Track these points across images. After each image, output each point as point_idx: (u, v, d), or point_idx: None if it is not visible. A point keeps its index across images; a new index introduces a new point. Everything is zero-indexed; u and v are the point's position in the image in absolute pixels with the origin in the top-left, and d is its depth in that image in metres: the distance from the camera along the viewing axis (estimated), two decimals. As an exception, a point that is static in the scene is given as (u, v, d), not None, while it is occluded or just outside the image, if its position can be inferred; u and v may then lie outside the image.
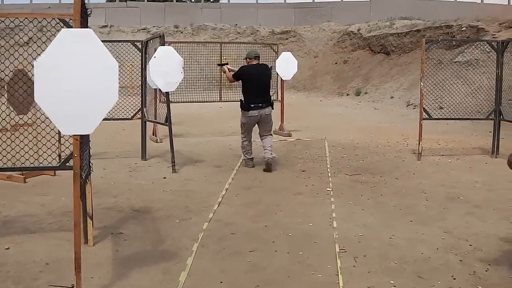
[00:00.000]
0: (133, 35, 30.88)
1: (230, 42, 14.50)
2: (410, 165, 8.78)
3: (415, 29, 26.01)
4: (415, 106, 18.79)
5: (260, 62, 8.61)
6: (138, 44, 9.07)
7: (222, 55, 12.64)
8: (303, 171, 8.22)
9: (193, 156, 9.52)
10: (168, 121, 8.12)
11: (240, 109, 8.40)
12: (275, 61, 12.31)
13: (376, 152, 10.00)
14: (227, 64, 8.97)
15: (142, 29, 32.51)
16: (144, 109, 9.06)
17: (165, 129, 13.57)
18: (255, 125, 8.44)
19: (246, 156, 8.60)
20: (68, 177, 4.84)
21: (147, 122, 9.22)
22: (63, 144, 6.70)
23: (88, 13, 4.51)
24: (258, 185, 7.31)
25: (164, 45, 8.06)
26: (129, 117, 9.17)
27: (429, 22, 26.23)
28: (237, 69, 8.58)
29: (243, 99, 8.34)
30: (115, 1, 37.77)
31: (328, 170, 8.22)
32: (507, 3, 34.78)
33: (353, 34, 30.28)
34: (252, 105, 8.20)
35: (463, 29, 22.62)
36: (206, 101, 12.81)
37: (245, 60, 8.68)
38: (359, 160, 9.20)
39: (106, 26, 32.85)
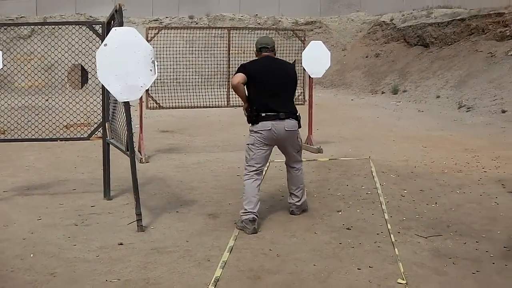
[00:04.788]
0: (144, 26, 28.27)
1: (238, 27, 11.02)
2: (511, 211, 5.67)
3: (458, 18, 22.92)
4: (468, 108, 15.59)
5: (275, 56, 5.53)
6: (97, 27, 6.06)
7: (231, 45, 9.59)
8: (348, 229, 5.07)
9: (182, 192, 6.49)
10: (129, 149, 4.92)
11: (248, 124, 5.34)
12: (301, 52, 9.22)
13: (447, 183, 6.89)
14: None
15: (154, 20, 30.24)
16: (107, 125, 6.01)
17: (158, 140, 10.72)
18: (270, 150, 5.28)
19: (245, 209, 5.06)
20: None
21: (110, 144, 6.09)
22: None
23: None
24: (274, 268, 4.13)
25: (122, 24, 4.89)
26: (86, 136, 6.18)
27: (473, 10, 23.04)
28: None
29: (249, 107, 5.28)
30: (125, -10, 35.19)
31: (389, 227, 5.09)
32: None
33: (386, 24, 27.26)
34: (263, 114, 5.11)
35: (520, 16, 19.33)
36: (209, 106, 9.69)
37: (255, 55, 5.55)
38: (428, 201, 6.06)
39: (114, 17, 30.26)
